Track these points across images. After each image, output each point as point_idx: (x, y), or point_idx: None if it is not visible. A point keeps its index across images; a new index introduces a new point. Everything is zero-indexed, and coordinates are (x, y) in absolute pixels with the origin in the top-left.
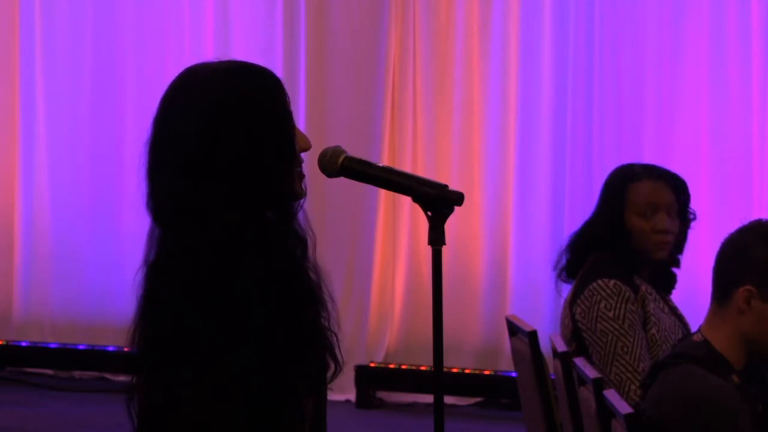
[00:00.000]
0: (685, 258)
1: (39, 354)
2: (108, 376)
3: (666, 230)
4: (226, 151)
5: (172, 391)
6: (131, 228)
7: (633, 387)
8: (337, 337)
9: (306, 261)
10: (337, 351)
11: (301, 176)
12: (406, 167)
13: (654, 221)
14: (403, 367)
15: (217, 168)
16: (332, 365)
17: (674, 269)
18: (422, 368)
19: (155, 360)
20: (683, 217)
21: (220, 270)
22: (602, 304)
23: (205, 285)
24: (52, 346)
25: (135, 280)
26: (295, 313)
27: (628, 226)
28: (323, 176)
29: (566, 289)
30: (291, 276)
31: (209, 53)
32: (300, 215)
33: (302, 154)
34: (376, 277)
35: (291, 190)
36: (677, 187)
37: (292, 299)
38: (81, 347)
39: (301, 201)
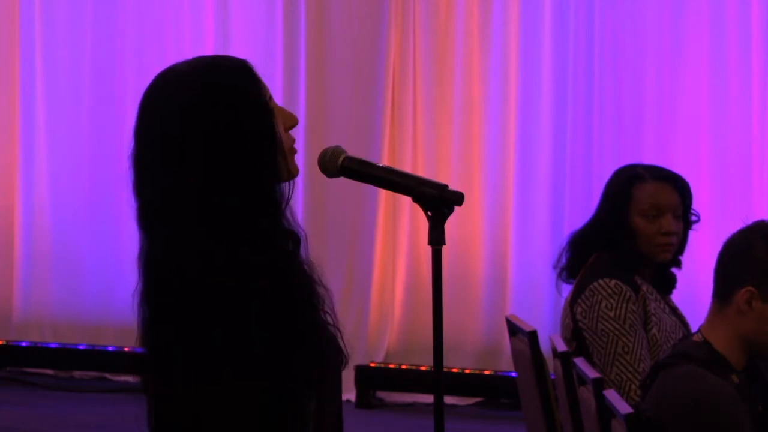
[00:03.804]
0: (685, 258)
1: (39, 354)
2: (108, 376)
3: (671, 232)
4: (204, 149)
5: (177, 394)
6: (131, 228)
7: (633, 387)
8: (339, 329)
9: (300, 255)
10: (341, 342)
11: (293, 153)
12: (406, 167)
13: (660, 223)
14: (403, 367)
15: (199, 167)
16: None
17: (675, 270)
18: (422, 368)
19: (158, 362)
20: (685, 218)
21: (216, 270)
22: (603, 304)
23: (203, 286)
24: (52, 346)
25: (135, 282)
26: (296, 310)
27: (633, 227)
28: (323, 176)
29: (566, 288)
30: (288, 271)
31: (209, 53)
32: (288, 213)
33: (302, 156)
34: (376, 277)
35: (277, 177)
36: (682, 189)
37: (292, 295)
38: (81, 347)
39: (291, 188)
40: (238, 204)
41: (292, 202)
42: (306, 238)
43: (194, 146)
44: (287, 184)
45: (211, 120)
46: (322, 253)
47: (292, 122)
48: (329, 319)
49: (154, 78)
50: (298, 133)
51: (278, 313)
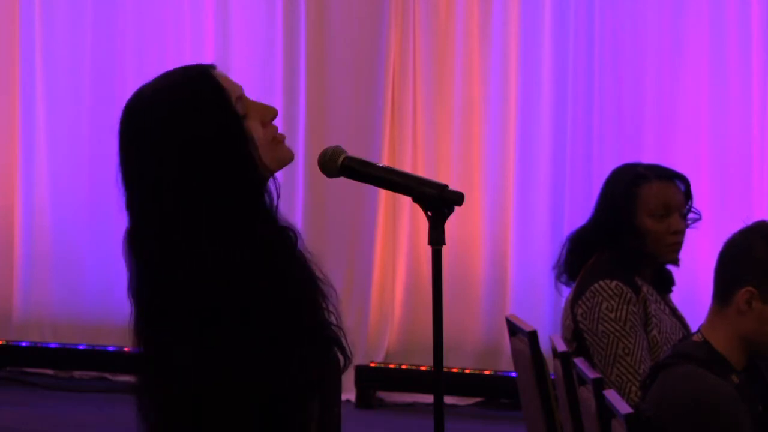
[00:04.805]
0: (685, 258)
1: (39, 354)
2: (108, 376)
3: (680, 231)
4: (179, 163)
5: (177, 394)
6: None
7: (633, 389)
8: (342, 329)
9: (299, 251)
10: (344, 343)
11: (277, 141)
12: (406, 167)
13: (669, 222)
14: (403, 367)
15: (179, 182)
16: (341, 358)
17: (673, 269)
18: (422, 368)
19: (158, 363)
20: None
21: (207, 272)
22: (604, 306)
23: (195, 288)
24: (52, 346)
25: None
26: (295, 310)
27: (641, 227)
28: (323, 176)
29: (566, 288)
30: (288, 270)
31: (209, 53)
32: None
33: (301, 156)
34: (376, 277)
35: (257, 171)
36: (685, 187)
37: (292, 295)
38: (81, 347)
39: (278, 185)
40: (225, 206)
41: (291, 203)
42: (299, 233)
43: (170, 162)
44: (273, 180)
45: (181, 136)
46: (322, 253)
47: (270, 114)
48: (333, 318)
49: (124, 107)
50: (298, 133)
51: (277, 314)
